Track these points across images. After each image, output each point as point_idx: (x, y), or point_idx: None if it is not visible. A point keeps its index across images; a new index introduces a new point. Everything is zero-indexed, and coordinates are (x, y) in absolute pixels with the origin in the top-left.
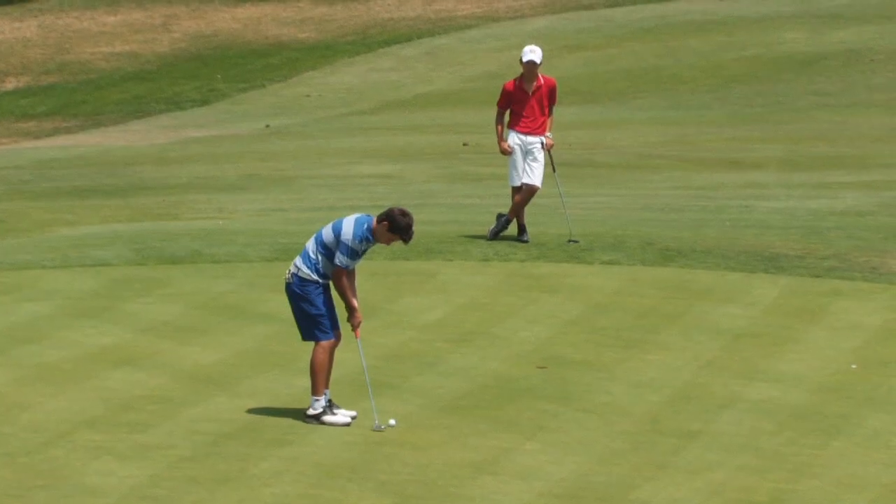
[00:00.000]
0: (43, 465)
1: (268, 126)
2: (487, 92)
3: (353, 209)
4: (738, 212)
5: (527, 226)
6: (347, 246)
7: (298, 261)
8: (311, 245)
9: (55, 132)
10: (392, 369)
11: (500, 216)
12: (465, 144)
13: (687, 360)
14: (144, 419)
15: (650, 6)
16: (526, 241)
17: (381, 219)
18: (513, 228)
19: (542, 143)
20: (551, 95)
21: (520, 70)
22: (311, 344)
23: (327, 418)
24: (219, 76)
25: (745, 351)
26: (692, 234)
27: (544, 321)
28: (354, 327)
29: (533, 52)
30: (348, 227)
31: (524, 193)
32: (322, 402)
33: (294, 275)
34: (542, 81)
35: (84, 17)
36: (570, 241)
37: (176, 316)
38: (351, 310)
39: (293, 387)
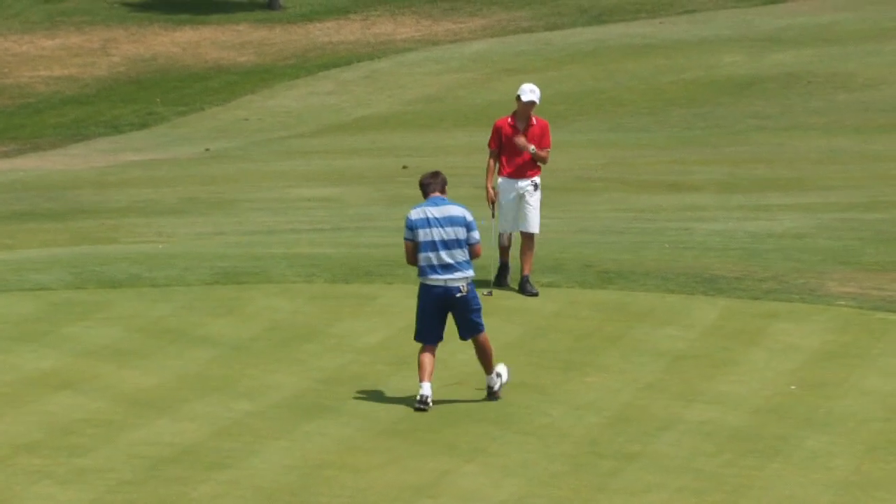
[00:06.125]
0: None
1: (207, 149)
2: (426, 115)
3: (292, 232)
4: (678, 234)
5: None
6: (474, 222)
7: (459, 274)
8: (449, 255)
9: None
10: (331, 392)
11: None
12: (404, 167)
13: (626, 382)
14: (84, 443)
15: (589, 29)
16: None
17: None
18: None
19: (534, 185)
20: (543, 137)
21: (511, 108)
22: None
23: (505, 378)
24: (158, 100)
25: (684, 373)
26: (631, 257)
27: None
28: None
29: (533, 93)
30: (461, 210)
31: (528, 243)
32: (504, 377)
33: (468, 285)
34: (535, 122)
35: (22, 40)
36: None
37: (115, 340)
38: None
39: (233, 410)
